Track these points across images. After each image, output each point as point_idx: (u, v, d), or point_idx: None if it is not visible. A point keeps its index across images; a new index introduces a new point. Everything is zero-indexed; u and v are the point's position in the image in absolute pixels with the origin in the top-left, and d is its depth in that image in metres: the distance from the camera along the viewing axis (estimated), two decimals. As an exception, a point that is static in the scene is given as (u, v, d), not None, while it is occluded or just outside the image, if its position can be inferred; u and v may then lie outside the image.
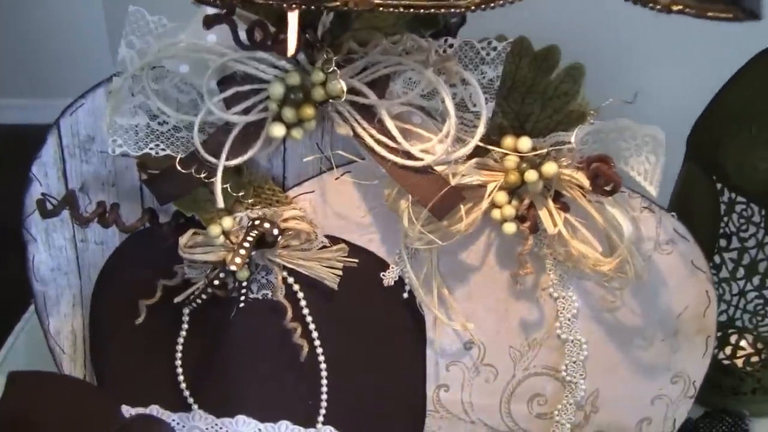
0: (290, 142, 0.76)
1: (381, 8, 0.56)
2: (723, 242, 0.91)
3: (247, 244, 0.73)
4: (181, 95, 0.72)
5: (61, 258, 0.83)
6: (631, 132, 0.71)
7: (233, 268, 0.72)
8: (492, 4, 0.56)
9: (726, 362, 0.96)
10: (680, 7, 0.49)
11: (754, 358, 0.96)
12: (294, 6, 0.57)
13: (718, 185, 0.88)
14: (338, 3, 0.57)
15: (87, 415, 0.64)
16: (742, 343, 0.97)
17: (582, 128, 0.71)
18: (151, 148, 0.72)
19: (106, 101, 0.74)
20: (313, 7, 0.57)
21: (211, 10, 0.63)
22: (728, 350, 0.96)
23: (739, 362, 0.96)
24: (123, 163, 0.78)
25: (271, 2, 0.57)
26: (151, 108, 0.72)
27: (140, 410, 0.87)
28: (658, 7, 0.50)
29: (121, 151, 0.72)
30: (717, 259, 0.90)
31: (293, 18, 0.58)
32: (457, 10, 0.57)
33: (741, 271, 0.90)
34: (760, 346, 0.94)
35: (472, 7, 0.56)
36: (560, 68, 0.69)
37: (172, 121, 0.72)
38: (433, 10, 0.57)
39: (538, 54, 0.69)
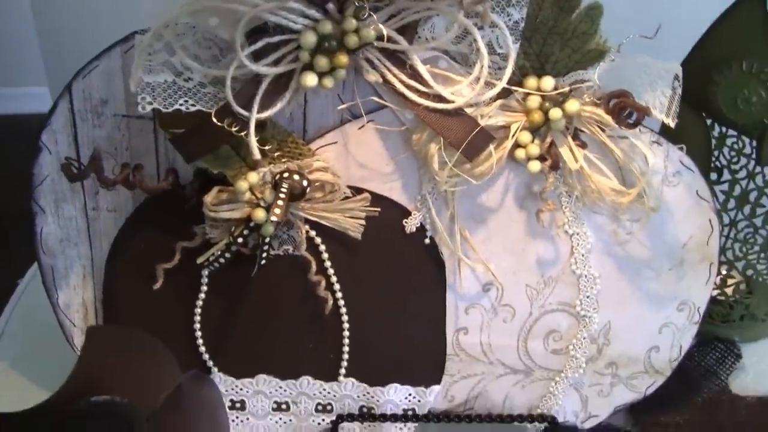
0: (311, 95, 0.76)
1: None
2: (714, 176, 0.95)
3: (282, 195, 0.73)
4: (202, 51, 0.72)
5: (70, 228, 0.82)
6: (646, 67, 0.73)
7: (275, 218, 0.72)
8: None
9: (716, 292, 1.00)
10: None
11: (743, 286, 1.00)
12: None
13: (708, 121, 0.92)
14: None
15: (156, 369, 0.64)
16: (732, 272, 1.01)
17: (601, 66, 0.73)
18: (180, 104, 0.72)
19: (121, 61, 0.74)
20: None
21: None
22: (718, 280, 1.00)
23: (729, 291, 1.01)
24: (138, 126, 0.77)
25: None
26: (175, 64, 0.71)
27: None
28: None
29: (152, 107, 0.71)
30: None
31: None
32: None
33: (732, 202, 0.94)
34: (749, 272, 0.99)
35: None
36: (580, 8, 0.72)
37: (197, 77, 0.72)
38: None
39: (561, -6, 0.71)
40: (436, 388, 0.88)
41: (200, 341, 0.86)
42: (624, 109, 0.72)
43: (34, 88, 2.65)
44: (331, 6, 0.69)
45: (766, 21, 0.85)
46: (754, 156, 0.90)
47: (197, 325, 0.85)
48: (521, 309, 0.86)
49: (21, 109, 2.71)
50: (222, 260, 0.79)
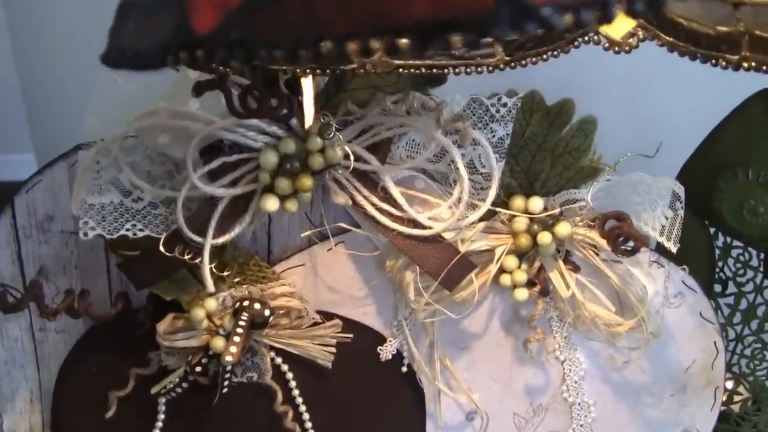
0: (276, 214, 0.69)
1: (402, 69, 0.51)
2: (718, 287, 0.88)
3: (240, 330, 0.66)
4: (154, 167, 0.66)
5: (16, 349, 0.76)
6: (645, 186, 0.67)
7: (230, 359, 0.65)
8: (523, 62, 0.52)
9: (722, 408, 0.92)
10: (752, 63, 0.45)
11: (750, 402, 0.93)
12: (308, 71, 0.52)
13: (712, 230, 0.85)
14: (356, 66, 0.51)
15: None
16: (739, 388, 0.94)
17: (596, 184, 0.67)
18: (127, 230, 0.65)
19: (67, 175, 0.67)
20: (328, 71, 0.51)
21: (193, 74, 0.58)
22: (725, 396, 0.93)
23: (736, 408, 0.93)
24: (87, 244, 0.71)
25: (284, 68, 0.51)
26: (124, 183, 0.65)
27: None
28: (724, 64, 0.46)
29: (95, 234, 0.64)
30: (712, 304, 0.87)
31: (308, 85, 0.53)
32: (487, 68, 0.52)
33: (737, 316, 0.87)
34: (757, 390, 0.92)
35: (502, 65, 0.52)
36: (572, 123, 0.65)
37: (148, 197, 0.66)
38: (459, 69, 0.52)
39: (551, 109, 0.64)
40: None
41: (159, 473, 0.78)
42: (620, 237, 0.65)
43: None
44: (294, 122, 0.62)
45: (773, 124, 0.79)
46: (761, 269, 0.83)
47: (155, 456, 0.78)
48: (509, 439, 0.78)
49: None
50: (179, 389, 0.72)
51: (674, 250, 0.68)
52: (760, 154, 0.79)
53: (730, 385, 0.93)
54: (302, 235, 0.69)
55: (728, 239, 0.85)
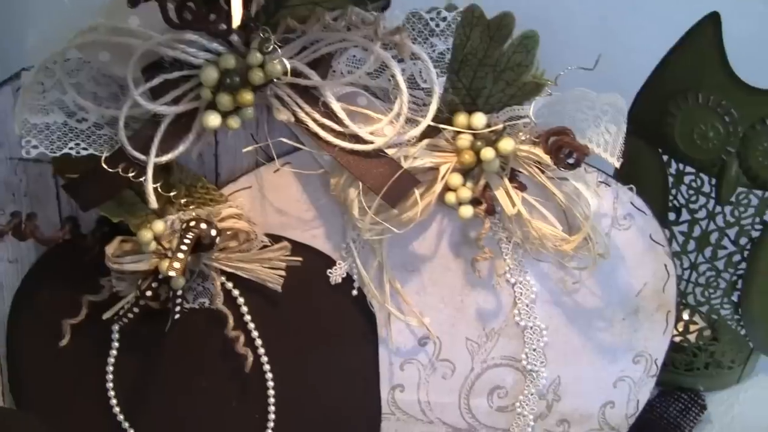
0: (222, 135, 0.70)
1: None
2: (672, 215, 0.88)
3: (184, 247, 0.66)
4: (100, 88, 0.66)
5: (-33, 281, 0.76)
6: (589, 102, 0.67)
7: (172, 274, 0.65)
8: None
9: (678, 338, 0.93)
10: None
11: (707, 332, 0.94)
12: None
13: (665, 157, 0.85)
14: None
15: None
16: (695, 318, 0.95)
17: (538, 100, 0.67)
18: (71, 148, 0.65)
19: (13, 101, 0.67)
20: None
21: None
22: (680, 326, 0.93)
23: (692, 337, 0.94)
24: (36, 170, 0.71)
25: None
26: (68, 104, 0.65)
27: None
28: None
29: (37, 152, 0.64)
30: (666, 233, 0.88)
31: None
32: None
33: (692, 244, 0.88)
34: (713, 318, 0.92)
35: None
36: (513, 38, 0.65)
37: (92, 117, 0.66)
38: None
39: (490, 23, 0.64)
40: (371, 449, 0.81)
41: (114, 401, 0.78)
42: (562, 149, 0.65)
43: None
44: (235, 38, 0.62)
45: (722, 49, 0.79)
46: (713, 195, 0.83)
47: (110, 385, 0.78)
48: (462, 364, 0.79)
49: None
50: (131, 315, 0.72)
51: (617, 165, 0.68)
52: (710, 79, 0.80)
53: (686, 316, 0.94)
54: (244, 150, 0.69)
55: (681, 166, 0.85)
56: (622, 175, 0.74)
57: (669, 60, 0.83)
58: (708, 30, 0.80)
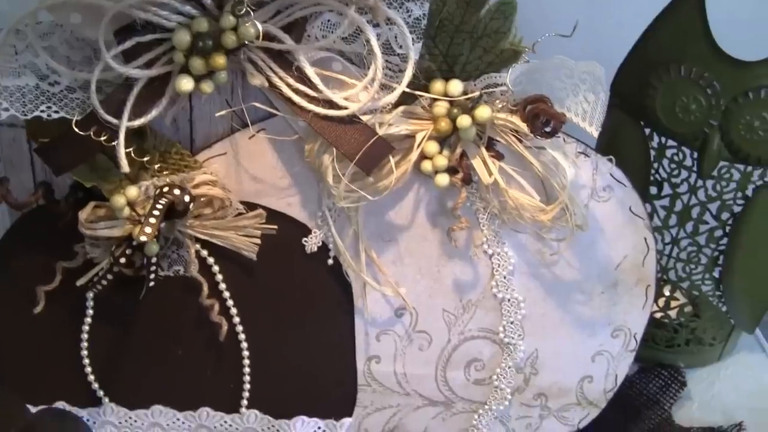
0: (197, 101, 0.69)
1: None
2: (654, 190, 0.87)
3: (156, 212, 0.65)
4: (73, 52, 0.65)
5: (-60, 246, 0.75)
6: (567, 70, 0.67)
7: (143, 239, 0.64)
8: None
9: (659, 314, 0.93)
10: None
11: (688, 308, 0.93)
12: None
13: (647, 130, 0.85)
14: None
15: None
16: (676, 294, 0.94)
17: (515, 68, 0.66)
18: (42, 111, 0.64)
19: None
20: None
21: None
22: (661, 302, 0.93)
23: (673, 314, 0.94)
24: (10, 135, 0.70)
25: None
26: (40, 67, 0.64)
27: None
28: None
29: (8, 115, 0.64)
30: (648, 207, 0.87)
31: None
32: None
33: (673, 219, 0.87)
34: (694, 294, 0.92)
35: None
36: (490, 4, 0.64)
37: (65, 80, 0.65)
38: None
39: (467, -12, 0.63)
40: (347, 420, 0.81)
41: (89, 369, 0.78)
42: (538, 117, 0.64)
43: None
44: (208, 1, 0.62)
45: (705, 22, 0.78)
46: (695, 169, 0.83)
47: (84, 352, 0.78)
48: (438, 336, 0.78)
49: None
50: (105, 282, 0.72)
51: (595, 134, 0.67)
52: (692, 51, 0.79)
53: (667, 291, 0.94)
54: (217, 114, 0.68)
55: (663, 139, 0.85)
56: (603, 148, 0.74)
57: (651, 32, 0.82)
58: (691, 1, 0.79)
